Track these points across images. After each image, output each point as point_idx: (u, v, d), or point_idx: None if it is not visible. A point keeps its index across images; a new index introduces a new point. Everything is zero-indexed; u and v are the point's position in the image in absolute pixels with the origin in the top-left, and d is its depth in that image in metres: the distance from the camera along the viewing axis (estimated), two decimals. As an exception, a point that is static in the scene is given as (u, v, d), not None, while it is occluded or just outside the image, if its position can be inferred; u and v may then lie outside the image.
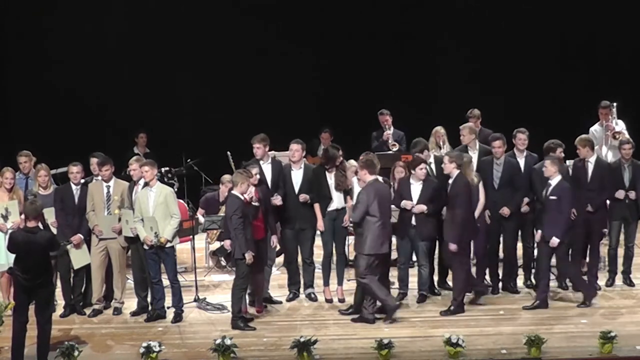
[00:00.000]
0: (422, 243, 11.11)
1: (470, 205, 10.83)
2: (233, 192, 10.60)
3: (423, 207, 11.02)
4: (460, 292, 10.88)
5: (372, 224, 10.44)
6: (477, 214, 11.17)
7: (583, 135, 11.78)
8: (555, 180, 10.82)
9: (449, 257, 10.87)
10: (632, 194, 11.46)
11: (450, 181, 10.83)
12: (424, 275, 11.30)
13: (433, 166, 11.59)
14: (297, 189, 11.36)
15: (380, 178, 11.11)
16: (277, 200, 11.22)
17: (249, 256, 10.44)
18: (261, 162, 11.36)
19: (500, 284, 11.61)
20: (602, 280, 11.65)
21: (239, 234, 10.45)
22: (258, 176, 10.92)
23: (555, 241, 10.71)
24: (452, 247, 10.68)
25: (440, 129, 12.86)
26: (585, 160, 11.46)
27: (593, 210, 11.36)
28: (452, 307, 10.85)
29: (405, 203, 11.04)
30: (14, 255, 9.67)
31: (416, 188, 11.10)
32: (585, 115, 13.38)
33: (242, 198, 10.52)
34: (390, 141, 13.77)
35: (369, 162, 10.64)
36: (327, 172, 11.34)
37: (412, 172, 11.13)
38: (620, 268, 11.78)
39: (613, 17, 15.93)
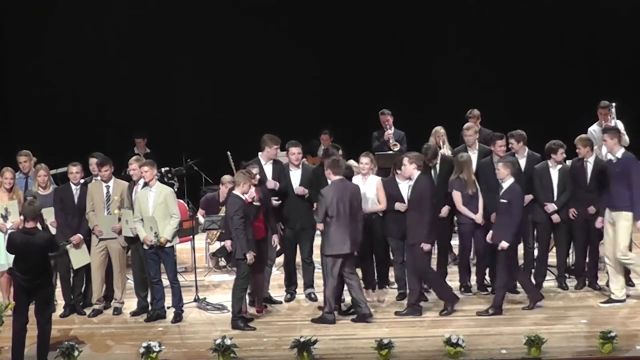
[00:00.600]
0: None
1: (433, 205, 10.74)
2: (234, 192, 10.60)
3: None
4: (443, 291, 10.91)
5: (330, 225, 10.44)
6: (479, 214, 11.18)
7: (583, 135, 11.76)
8: (507, 183, 10.72)
9: (419, 258, 10.80)
10: None
11: (411, 183, 10.77)
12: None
13: (437, 166, 11.58)
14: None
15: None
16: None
17: (250, 256, 10.44)
18: (263, 162, 11.36)
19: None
20: (602, 280, 11.64)
21: (240, 234, 10.45)
22: (259, 176, 10.92)
23: (504, 244, 10.60)
24: (427, 247, 10.62)
25: (440, 129, 12.87)
26: (584, 160, 11.44)
27: (596, 211, 11.34)
28: (449, 308, 10.85)
29: (398, 205, 10.99)
30: (14, 255, 9.67)
31: (405, 187, 11.04)
32: (585, 115, 13.35)
33: (244, 198, 10.52)
34: (391, 141, 13.75)
35: (334, 163, 10.62)
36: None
37: (398, 171, 11.10)
38: (620, 268, 11.78)
39: (613, 17, 15.93)
